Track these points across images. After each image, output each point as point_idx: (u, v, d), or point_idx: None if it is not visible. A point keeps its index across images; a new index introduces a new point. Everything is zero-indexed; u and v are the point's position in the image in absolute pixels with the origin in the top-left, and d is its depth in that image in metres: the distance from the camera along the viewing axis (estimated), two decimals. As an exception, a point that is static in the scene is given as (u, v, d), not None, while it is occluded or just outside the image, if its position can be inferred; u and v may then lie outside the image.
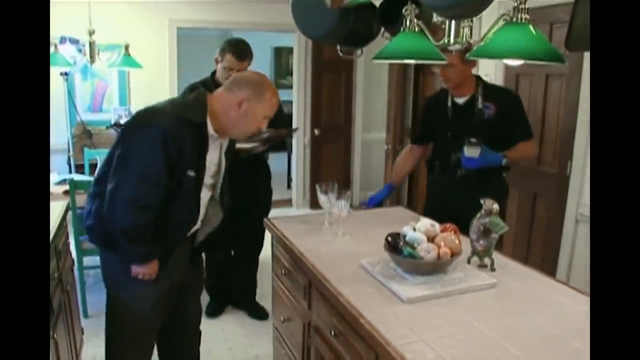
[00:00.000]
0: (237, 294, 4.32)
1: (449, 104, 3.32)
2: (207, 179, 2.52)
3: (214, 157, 2.52)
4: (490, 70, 4.43)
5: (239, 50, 3.64)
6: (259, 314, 4.21)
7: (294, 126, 4.00)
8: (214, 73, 3.78)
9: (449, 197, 3.25)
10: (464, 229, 2.35)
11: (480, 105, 3.21)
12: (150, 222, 2.35)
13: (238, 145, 3.04)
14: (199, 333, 3.01)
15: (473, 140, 3.09)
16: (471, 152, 3.10)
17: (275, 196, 4.11)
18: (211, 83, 3.68)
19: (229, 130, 2.49)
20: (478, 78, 3.30)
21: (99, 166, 2.57)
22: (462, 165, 3.17)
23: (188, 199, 2.46)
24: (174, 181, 2.35)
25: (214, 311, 4.20)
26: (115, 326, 2.61)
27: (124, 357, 2.65)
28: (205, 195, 2.55)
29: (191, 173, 2.39)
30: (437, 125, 3.45)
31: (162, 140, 2.26)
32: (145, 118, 2.35)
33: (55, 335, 2.53)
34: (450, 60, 3.05)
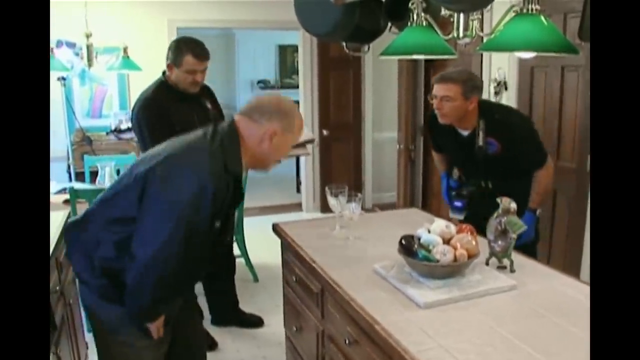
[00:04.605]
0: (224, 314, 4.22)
1: (452, 134, 3.23)
2: None
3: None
4: (503, 64, 4.43)
5: (198, 49, 3.48)
6: (251, 322, 4.21)
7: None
8: (163, 75, 3.64)
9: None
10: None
11: (481, 142, 3.10)
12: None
13: None
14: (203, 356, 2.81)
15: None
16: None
17: (284, 200, 4.11)
18: (167, 89, 3.55)
19: (258, 165, 2.34)
20: (482, 106, 3.13)
21: (99, 199, 2.27)
22: None
23: (206, 250, 2.28)
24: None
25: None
26: None
27: None
28: None
29: (217, 224, 2.22)
30: (445, 150, 3.46)
31: (211, 199, 2.06)
32: (192, 167, 2.09)
33: (58, 351, 2.55)
34: (449, 93, 3.00)
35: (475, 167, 3.21)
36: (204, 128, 2.26)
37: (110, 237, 2.14)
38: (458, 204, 3.25)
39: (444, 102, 3.04)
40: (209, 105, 3.77)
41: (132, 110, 3.61)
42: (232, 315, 4.21)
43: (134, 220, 2.09)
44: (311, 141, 3.58)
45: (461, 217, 3.18)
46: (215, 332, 4.02)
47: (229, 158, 2.15)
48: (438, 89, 3.05)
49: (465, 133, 3.18)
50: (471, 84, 3.04)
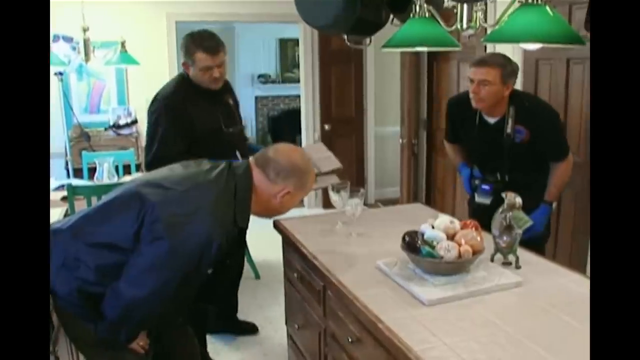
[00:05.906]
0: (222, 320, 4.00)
1: (477, 121, 3.20)
2: None
3: None
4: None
5: (209, 44, 3.24)
6: (247, 330, 4.06)
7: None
8: (185, 75, 3.39)
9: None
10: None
11: (509, 130, 3.09)
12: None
13: None
14: None
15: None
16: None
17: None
18: (187, 85, 3.34)
19: (262, 215, 2.31)
20: (512, 93, 3.11)
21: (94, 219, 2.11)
22: None
23: (194, 290, 2.27)
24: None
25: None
26: None
27: None
28: None
29: (209, 270, 2.17)
30: (466, 139, 3.42)
31: (215, 251, 2.02)
32: (202, 217, 2.01)
33: (56, 350, 2.54)
34: (488, 77, 2.97)
35: (498, 156, 3.16)
36: (218, 165, 2.20)
37: (92, 261, 2.00)
38: (486, 187, 3.22)
39: (482, 86, 3.00)
40: (231, 102, 3.61)
41: (150, 106, 3.37)
42: (228, 323, 4.05)
43: (123, 250, 1.99)
44: (338, 169, 3.45)
45: (488, 201, 3.16)
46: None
47: (240, 211, 2.14)
48: (476, 73, 3.01)
49: (492, 120, 3.17)
50: (510, 68, 3.02)
